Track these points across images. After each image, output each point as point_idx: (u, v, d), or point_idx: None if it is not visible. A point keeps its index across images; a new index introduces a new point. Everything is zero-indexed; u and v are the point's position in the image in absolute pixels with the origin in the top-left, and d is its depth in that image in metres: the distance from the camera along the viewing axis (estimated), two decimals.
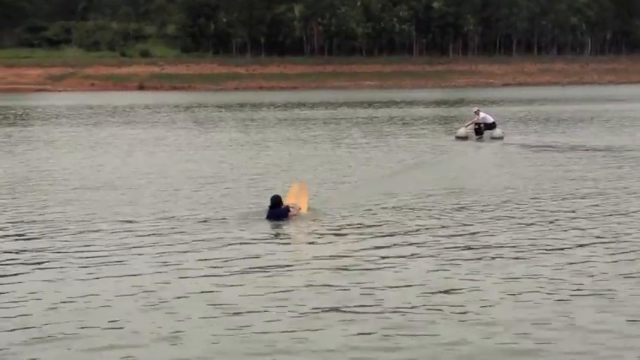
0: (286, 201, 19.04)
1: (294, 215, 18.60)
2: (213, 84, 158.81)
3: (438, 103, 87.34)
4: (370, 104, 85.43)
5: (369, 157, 32.86)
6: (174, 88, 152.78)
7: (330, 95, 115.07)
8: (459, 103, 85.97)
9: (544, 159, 30.93)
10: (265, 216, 18.51)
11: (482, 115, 41.63)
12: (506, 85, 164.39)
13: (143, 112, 72.52)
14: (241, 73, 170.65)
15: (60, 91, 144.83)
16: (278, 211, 18.41)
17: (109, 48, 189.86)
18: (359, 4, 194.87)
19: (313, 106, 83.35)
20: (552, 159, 30.83)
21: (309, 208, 19.43)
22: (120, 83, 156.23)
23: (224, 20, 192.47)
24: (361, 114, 66.59)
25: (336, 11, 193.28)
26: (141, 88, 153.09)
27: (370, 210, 19.90)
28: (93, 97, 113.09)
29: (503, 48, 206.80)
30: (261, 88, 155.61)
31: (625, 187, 23.14)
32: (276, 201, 18.54)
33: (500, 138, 40.15)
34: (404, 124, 53.79)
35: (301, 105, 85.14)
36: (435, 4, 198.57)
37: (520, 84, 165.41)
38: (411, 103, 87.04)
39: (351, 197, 22.14)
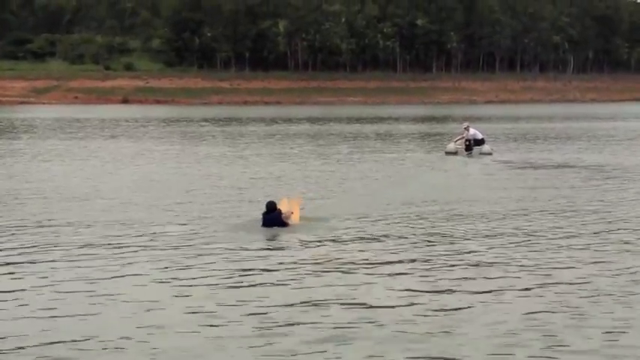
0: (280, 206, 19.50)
1: (287, 218, 19.08)
2: (197, 98, 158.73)
3: (424, 120, 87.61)
4: (358, 119, 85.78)
5: (358, 170, 33.13)
6: (158, 102, 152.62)
7: (314, 110, 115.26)
8: (444, 120, 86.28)
9: (531, 176, 31.19)
10: (261, 222, 18.98)
11: (472, 131, 41.87)
12: (488, 102, 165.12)
13: (128, 126, 72.53)
14: (225, 88, 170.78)
15: (44, 103, 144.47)
16: (273, 216, 18.86)
17: (94, 61, 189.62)
18: (343, 20, 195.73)
19: (299, 121, 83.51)
20: (541, 176, 31.07)
21: (300, 218, 19.81)
22: (103, 97, 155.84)
23: (209, 35, 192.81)
24: (348, 129, 66.79)
25: (320, 27, 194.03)
26: (125, 101, 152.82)
27: (360, 221, 20.22)
28: (77, 110, 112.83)
29: (487, 65, 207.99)
30: (245, 102, 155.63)
31: (604, 204, 23.46)
32: (271, 207, 18.97)
33: (489, 154, 40.37)
34: (392, 139, 54.00)
35: (287, 120, 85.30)
36: (419, 21, 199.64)
37: (503, 101, 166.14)
38: (397, 119, 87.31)
39: (341, 208, 22.53)
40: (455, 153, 40.99)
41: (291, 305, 12.55)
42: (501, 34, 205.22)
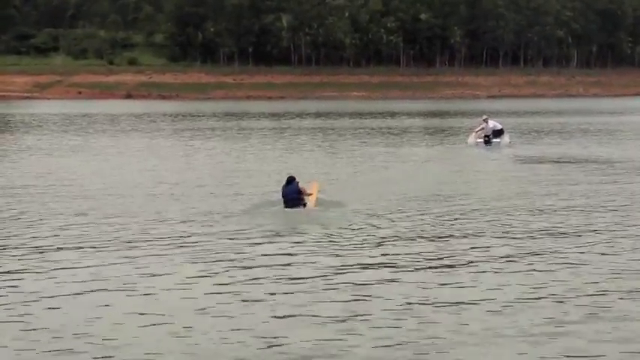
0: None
1: (305, 195, 21.00)
2: (200, 93, 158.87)
3: (432, 114, 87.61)
4: (373, 114, 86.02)
5: (375, 164, 33.33)
6: (162, 97, 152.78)
7: (319, 105, 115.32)
8: (452, 114, 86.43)
9: (549, 170, 31.29)
10: (281, 193, 20.94)
11: (491, 123, 43.34)
12: (492, 96, 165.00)
13: (134, 121, 72.60)
14: (229, 83, 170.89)
15: (48, 98, 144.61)
16: (292, 188, 20.75)
17: (97, 56, 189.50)
18: (347, 14, 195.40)
19: (306, 115, 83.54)
20: (557, 170, 31.18)
21: (316, 204, 21.20)
22: (107, 91, 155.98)
23: (212, 30, 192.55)
24: (361, 124, 66.91)
25: (323, 21, 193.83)
26: (128, 96, 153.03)
27: (374, 211, 20.45)
28: (80, 105, 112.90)
29: (490, 60, 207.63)
30: (248, 97, 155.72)
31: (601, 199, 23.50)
32: (291, 179, 20.94)
33: (508, 145, 42.02)
34: (406, 134, 54.30)
35: (294, 114, 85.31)
36: (423, 16, 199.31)
37: (506, 96, 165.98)
38: (408, 114, 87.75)
39: (358, 196, 23.42)
40: (475, 146, 42.28)
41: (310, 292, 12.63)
42: (505, 29, 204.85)
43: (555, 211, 21.11)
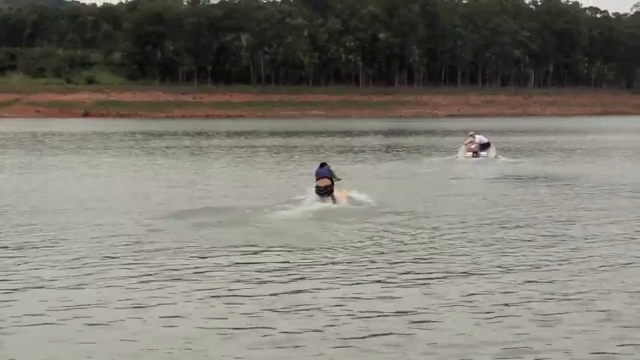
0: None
1: (335, 178, 24.89)
2: (159, 112, 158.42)
3: (405, 133, 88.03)
4: (347, 133, 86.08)
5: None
6: (120, 116, 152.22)
7: (280, 124, 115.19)
8: (418, 133, 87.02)
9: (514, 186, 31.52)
10: (315, 171, 25.09)
11: (477, 137, 45.53)
12: (450, 115, 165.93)
13: (93, 139, 72.14)
14: (188, 101, 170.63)
15: (4, 117, 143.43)
16: (325, 169, 24.82)
17: (55, 75, 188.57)
18: (306, 33, 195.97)
19: (288, 134, 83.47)
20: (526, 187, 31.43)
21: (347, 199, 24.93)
22: (65, 110, 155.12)
23: (171, 48, 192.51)
24: (334, 142, 67.10)
25: (283, 40, 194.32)
26: (86, 115, 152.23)
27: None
28: (38, 124, 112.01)
29: (448, 79, 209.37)
30: (207, 116, 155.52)
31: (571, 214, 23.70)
32: (323, 163, 25.34)
33: (496, 157, 44.72)
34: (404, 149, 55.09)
35: (278, 134, 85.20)
36: (382, 35, 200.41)
37: (464, 115, 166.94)
38: (378, 132, 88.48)
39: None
40: (464, 160, 44.27)
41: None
42: (463, 48, 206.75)
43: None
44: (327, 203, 24.12)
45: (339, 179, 25.20)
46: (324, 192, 24.34)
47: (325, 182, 24.37)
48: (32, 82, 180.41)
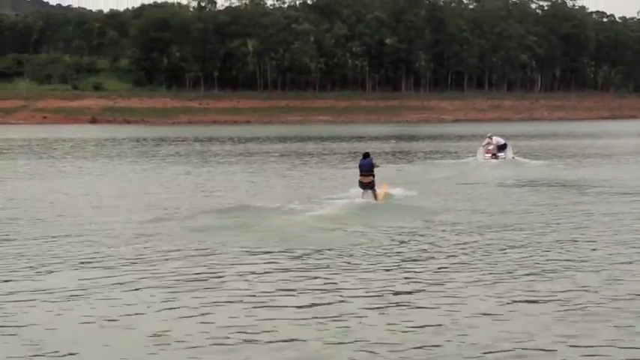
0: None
1: (377, 193, 27.34)
2: (166, 118, 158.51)
3: (416, 138, 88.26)
4: (358, 138, 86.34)
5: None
6: (127, 122, 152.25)
7: (288, 129, 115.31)
8: (428, 138, 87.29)
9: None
10: (359, 163, 27.38)
11: (495, 139, 46.65)
12: (457, 120, 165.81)
13: (101, 146, 72.22)
14: (194, 107, 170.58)
15: (12, 124, 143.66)
16: (368, 160, 26.99)
17: (62, 81, 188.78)
18: (312, 39, 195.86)
19: (301, 140, 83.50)
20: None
21: (385, 196, 27.88)
22: (72, 116, 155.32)
23: (177, 54, 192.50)
24: (351, 146, 67.45)
25: (289, 46, 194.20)
26: (93, 121, 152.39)
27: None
28: (46, 130, 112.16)
29: (455, 84, 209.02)
30: (214, 122, 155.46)
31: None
32: (367, 154, 27.50)
33: (513, 158, 46.24)
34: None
35: (289, 139, 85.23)
36: (388, 41, 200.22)
37: (471, 120, 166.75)
38: (390, 137, 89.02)
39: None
40: (483, 161, 45.42)
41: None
42: (469, 53, 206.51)
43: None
44: (368, 199, 26.95)
45: (378, 167, 27.78)
46: (367, 187, 27.07)
47: (368, 179, 26.96)
48: (39, 89, 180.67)
